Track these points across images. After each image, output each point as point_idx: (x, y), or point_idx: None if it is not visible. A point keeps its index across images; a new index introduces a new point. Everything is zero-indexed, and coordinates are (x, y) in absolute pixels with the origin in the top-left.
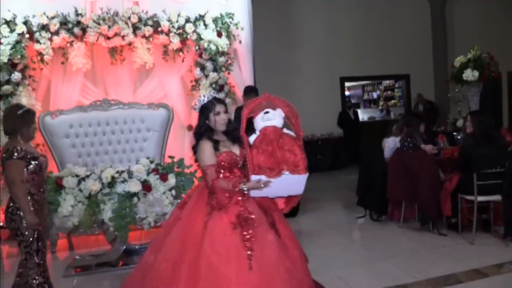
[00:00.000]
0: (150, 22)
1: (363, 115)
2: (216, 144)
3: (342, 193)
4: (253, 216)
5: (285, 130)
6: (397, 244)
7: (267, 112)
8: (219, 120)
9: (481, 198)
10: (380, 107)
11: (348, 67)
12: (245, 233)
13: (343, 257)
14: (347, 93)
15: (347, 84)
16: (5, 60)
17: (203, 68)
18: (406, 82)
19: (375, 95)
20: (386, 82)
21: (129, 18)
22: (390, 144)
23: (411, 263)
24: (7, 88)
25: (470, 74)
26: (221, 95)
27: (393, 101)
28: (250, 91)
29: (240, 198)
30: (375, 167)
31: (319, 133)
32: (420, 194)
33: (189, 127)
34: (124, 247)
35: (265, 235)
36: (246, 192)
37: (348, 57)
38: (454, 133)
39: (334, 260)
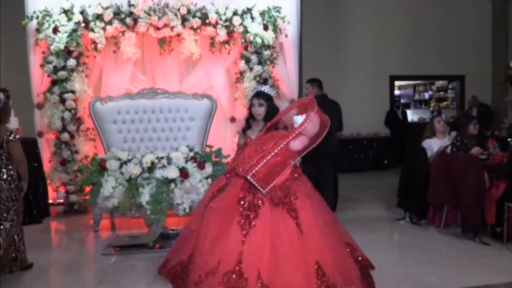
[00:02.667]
0: (198, 14)
1: (413, 115)
2: (245, 129)
3: (384, 194)
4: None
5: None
6: (434, 250)
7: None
8: (254, 111)
9: None
10: (431, 108)
11: (398, 66)
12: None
13: (376, 257)
14: (397, 92)
15: (397, 83)
16: (62, 47)
17: (248, 61)
18: (460, 83)
19: (426, 95)
20: (439, 83)
21: (178, 9)
22: (426, 146)
23: (446, 270)
24: (62, 73)
25: None
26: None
27: (445, 102)
28: (313, 81)
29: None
30: (417, 169)
31: (364, 132)
32: (463, 200)
33: (232, 119)
34: (161, 231)
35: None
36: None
37: (399, 55)
38: (509, 139)
39: None
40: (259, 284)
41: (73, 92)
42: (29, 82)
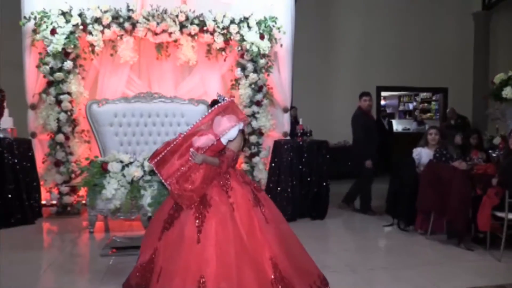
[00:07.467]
0: (196, 21)
1: (397, 125)
2: None
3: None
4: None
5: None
6: (422, 254)
7: None
8: None
9: None
10: (415, 119)
11: (385, 77)
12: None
13: (367, 261)
14: (382, 102)
15: (383, 93)
16: (59, 49)
17: (243, 68)
18: (443, 95)
19: (411, 106)
20: (423, 94)
21: (177, 16)
22: (415, 154)
23: (435, 273)
24: (59, 75)
25: (509, 92)
26: (259, 96)
27: (429, 114)
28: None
29: None
30: (405, 177)
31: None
32: (449, 207)
33: None
34: None
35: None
36: None
37: (386, 67)
38: (490, 151)
39: (358, 263)
40: (156, 279)
41: (69, 93)
42: (24, 83)
